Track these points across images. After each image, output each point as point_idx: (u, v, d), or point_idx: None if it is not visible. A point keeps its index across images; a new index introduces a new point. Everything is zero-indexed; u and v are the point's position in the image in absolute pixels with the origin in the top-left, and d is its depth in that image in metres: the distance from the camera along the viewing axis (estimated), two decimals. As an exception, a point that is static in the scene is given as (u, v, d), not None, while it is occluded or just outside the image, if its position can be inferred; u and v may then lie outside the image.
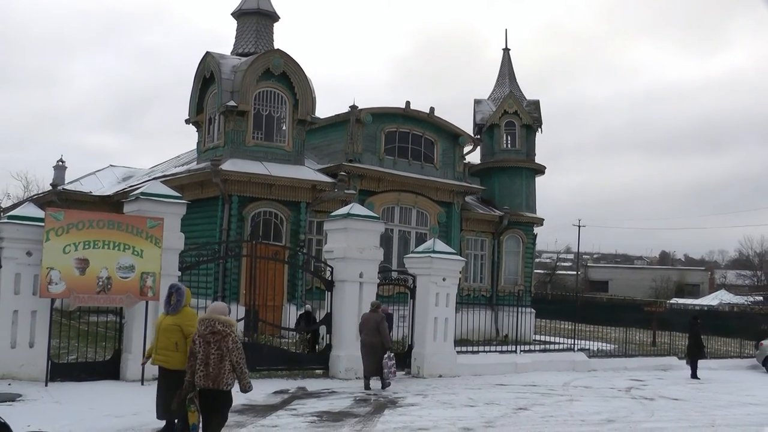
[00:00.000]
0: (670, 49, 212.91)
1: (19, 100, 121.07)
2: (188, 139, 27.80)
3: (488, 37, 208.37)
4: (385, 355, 17.51)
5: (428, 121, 31.79)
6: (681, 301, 60.68)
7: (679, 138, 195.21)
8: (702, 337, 26.31)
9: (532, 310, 32.97)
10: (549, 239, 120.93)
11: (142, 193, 16.83)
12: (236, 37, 29.24)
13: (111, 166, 38.75)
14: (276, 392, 15.29)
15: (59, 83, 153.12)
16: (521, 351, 23.76)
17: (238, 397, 13.44)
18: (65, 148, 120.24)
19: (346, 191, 26.84)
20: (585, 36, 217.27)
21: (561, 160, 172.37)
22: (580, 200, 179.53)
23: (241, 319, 19.44)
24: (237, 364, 9.49)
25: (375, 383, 17.26)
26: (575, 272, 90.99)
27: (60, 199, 31.16)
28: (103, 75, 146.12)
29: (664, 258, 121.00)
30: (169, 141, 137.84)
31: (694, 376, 24.62)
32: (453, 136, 32.63)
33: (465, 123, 36.69)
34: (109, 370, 16.19)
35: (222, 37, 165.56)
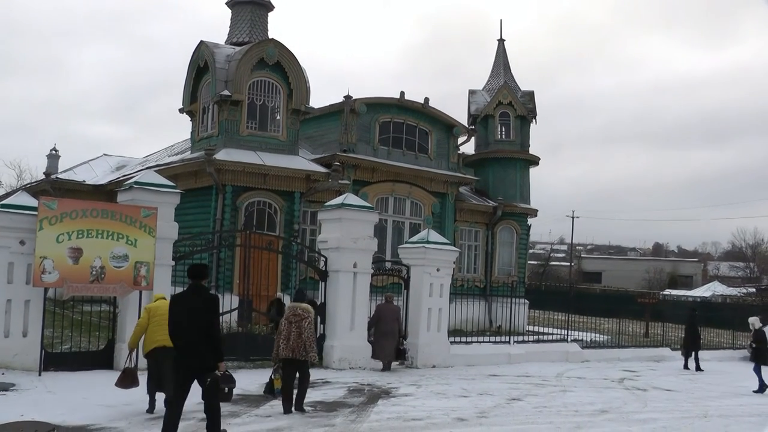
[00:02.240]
0: (679, 42, 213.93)
1: (24, 90, 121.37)
2: (189, 128, 27.75)
3: (496, 29, 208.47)
4: (404, 340, 19.86)
5: (423, 111, 31.75)
6: (674, 292, 60.77)
7: (681, 130, 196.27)
8: (699, 328, 26.34)
9: (526, 300, 33.03)
10: (543, 230, 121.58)
11: (136, 183, 16.78)
12: (230, 27, 29.14)
13: (104, 155, 38.57)
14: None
15: (65, 73, 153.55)
16: (515, 342, 23.80)
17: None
18: (68, 138, 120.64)
19: (340, 181, 26.78)
20: (596, 28, 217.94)
21: (563, 152, 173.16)
22: (579, 192, 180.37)
23: (234, 309, 19.48)
24: (307, 340, 12.38)
25: (365, 373, 17.31)
26: (569, 263, 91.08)
27: (53, 188, 31.06)
28: (109, 65, 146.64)
29: (658, 249, 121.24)
30: (173, 131, 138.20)
31: (687, 367, 24.68)
32: (447, 126, 32.60)
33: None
34: (103, 359, 16.16)
35: (227, 27, 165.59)
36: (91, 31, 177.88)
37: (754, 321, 21.40)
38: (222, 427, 10.04)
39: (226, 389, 10.04)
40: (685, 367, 24.79)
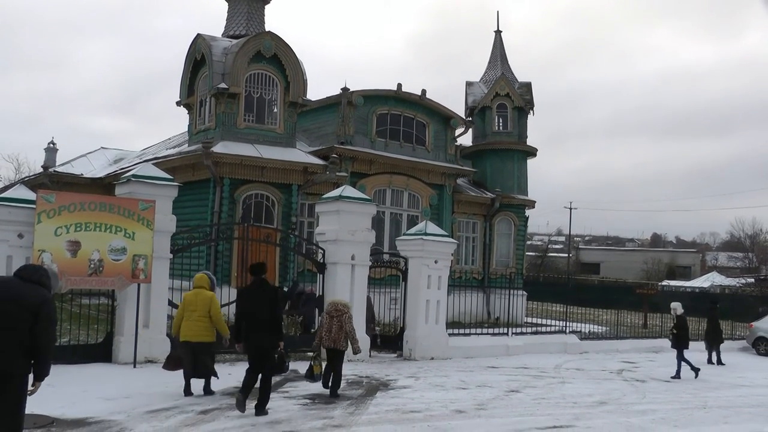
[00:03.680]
0: (686, 33, 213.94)
1: (27, 83, 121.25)
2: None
3: (505, 19, 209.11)
4: (375, 326, 21.29)
5: (420, 103, 31.73)
6: (672, 283, 60.82)
7: (684, 121, 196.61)
8: (720, 322, 25.96)
9: (524, 292, 33.05)
10: (540, 222, 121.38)
11: (134, 176, 16.75)
12: (227, 20, 29.08)
13: (102, 148, 38.55)
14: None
15: (68, 67, 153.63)
16: (513, 333, 23.79)
17: (230, 380, 13.73)
18: (70, 132, 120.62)
19: (337, 174, 26.77)
20: (603, 20, 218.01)
21: (567, 143, 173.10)
22: (582, 183, 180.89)
23: (232, 302, 19.46)
24: (350, 333, 13.92)
25: (363, 365, 17.31)
26: (567, 254, 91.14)
27: (51, 181, 31.01)
28: (113, 59, 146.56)
29: (656, 240, 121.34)
30: (176, 125, 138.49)
31: (711, 361, 24.25)
32: (445, 118, 32.58)
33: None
34: (102, 352, 16.14)
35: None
36: (96, 25, 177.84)
37: (676, 306, 21.12)
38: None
39: (286, 363, 12.65)
40: (709, 361, 24.33)
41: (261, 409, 11.63)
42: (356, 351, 14.32)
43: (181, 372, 13.26)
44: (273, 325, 11.78)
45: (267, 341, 11.73)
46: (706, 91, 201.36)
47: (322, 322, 14.28)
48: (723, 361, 24.31)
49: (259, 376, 11.72)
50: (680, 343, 20.48)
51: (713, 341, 24.91)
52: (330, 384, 14.00)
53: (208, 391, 13.19)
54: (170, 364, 13.52)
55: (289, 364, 13.12)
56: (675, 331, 20.82)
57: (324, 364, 14.14)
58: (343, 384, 15.09)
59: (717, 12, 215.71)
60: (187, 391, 12.98)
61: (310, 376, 14.12)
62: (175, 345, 13.72)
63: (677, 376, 19.96)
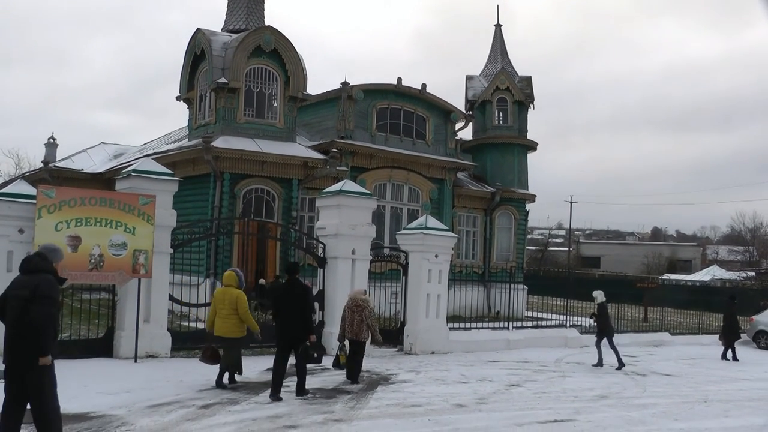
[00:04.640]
0: (691, 28, 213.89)
1: (32, 79, 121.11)
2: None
3: (510, 14, 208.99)
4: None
5: (420, 97, 31.70)
6: (673, 276, 60.84)
7: (687, 116, 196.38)
8: (737, 317, 25.67)
9: (524, 286, 33.00)
10: (541, 215, 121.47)
11: (134, 171, 16.75)
12: (227, 14, 29.02)
13: (102, 143, 38.51)
14: (269, 369, 15.22)
15: (74, 62, 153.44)
16: (513, 327, 23.80)
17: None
18: (74, 127, 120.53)
19: (337, 168, 26.76)
20: (609, 14, 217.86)
21: (569, 137, 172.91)
22: (581, 177, 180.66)
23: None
24: (371, 325, 15.05)
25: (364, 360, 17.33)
26: (567, 248, 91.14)
27: (51, 176, 31.03)
28: (116, 54, 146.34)
29: (656, 234, 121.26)
30: (180, 120, 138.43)
31: (726, 357, 24.14)
32: (445, 112, 32.56)
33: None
34: (102, 347, 16.16)
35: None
36: (98, 21, 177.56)
37: (597, 295, 21.00)
38: (306, 388, 13.16)
39: (315, 355, 13.39)
40: (724, 357, 24.01)
41: (301, 391, 12.99)
42: (377, 342, 15.59)
43: (202, 365, 13.91)
44: (303, 320, 12.88)
45: (296, 334, 12.81)
46: (710, 86, 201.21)
47: (344, 316, 15.31)
48: (727, 357, 24.12)
49: (287, 364, 12.90)
50: (603, 331, 20.50)
51: (730, 336, 24.66)
52: (349, 372, 15.05)
53: (220, 384, 13.45)
54: (207, 357, 13.88)
55: (320, 355, 14.02)
56: (596, 320, 20.80)
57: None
58: (343, 378, 15.16)
59: (722, 7, 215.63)
60: (232, 381, 13.76)
61: (337, 365, 15.18)
62: (210, 339, 14.06)
63: (599, 364, 19.96)
